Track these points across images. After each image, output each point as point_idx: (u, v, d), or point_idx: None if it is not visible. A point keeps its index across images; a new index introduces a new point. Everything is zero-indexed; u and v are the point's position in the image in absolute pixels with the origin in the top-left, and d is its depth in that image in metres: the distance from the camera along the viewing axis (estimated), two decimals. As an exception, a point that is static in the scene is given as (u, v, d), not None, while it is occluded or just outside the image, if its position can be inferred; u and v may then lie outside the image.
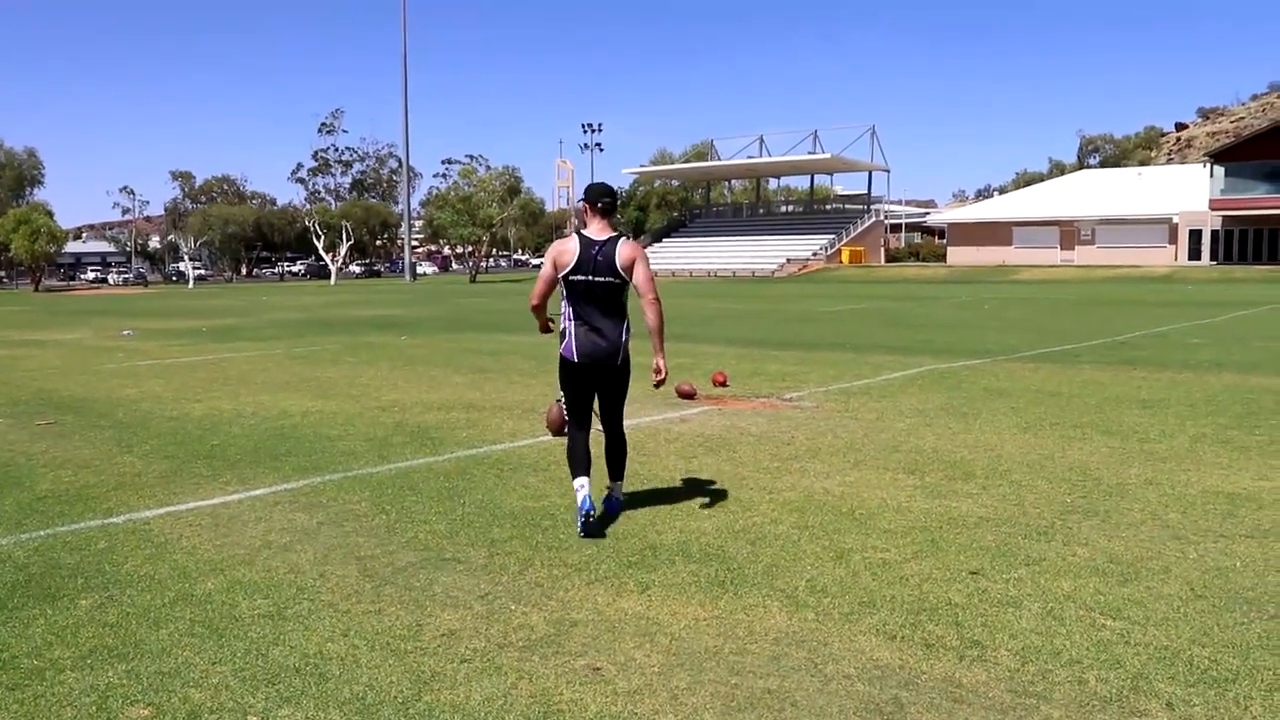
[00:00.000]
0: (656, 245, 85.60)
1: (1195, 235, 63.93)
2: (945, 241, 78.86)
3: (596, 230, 5.96)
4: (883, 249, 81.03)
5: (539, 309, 6.16)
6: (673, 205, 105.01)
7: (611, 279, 5.88)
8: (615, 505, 6.30)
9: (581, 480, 5.97)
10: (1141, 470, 7.35)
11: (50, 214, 79.34)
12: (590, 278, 5.86)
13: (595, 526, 5.84)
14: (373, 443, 8.84)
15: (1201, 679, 3.85)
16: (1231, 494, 6.63)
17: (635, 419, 9.48)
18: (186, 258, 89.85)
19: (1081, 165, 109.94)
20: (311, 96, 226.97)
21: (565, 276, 5.91)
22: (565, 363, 6.06)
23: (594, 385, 6.08)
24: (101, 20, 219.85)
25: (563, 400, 6.27)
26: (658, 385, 6.18)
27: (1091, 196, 72.41)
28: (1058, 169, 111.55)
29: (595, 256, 5.85)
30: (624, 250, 5.88)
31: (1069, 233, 69.39)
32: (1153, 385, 11.84)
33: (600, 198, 6.03)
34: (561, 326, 6.07)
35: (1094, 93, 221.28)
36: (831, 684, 3.86)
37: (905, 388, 11.90)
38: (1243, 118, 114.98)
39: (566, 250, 5.93)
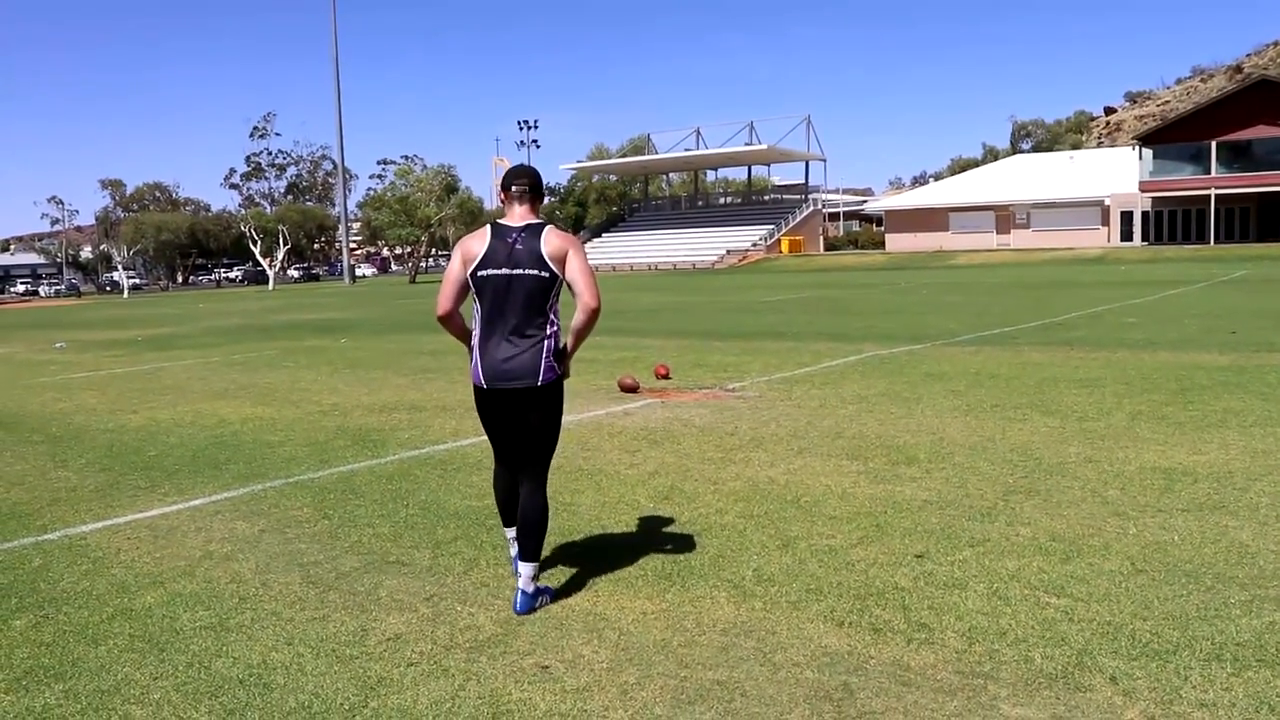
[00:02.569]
0: (596, 240, 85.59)
1: (1126, 217, 65.17)
2: (883, 229, 79.62)
3: (516, 218, 4.74)
4: (821, 238, 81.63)
5: (449, 318, 4.85)
6: (611, 200, 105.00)
7: (536, 272, 4.61)
8: (526, 602, 4.60)
9: (513, 531, 5.00)
10: (1081, 449, 7.45)
11: (-24, 226, 77.50)
12: (506, 271, 4.62)
13: (529, 602, 4.62)
14: (314, 447, 8.72)
15: (1143, 652, 3.90)
16: (1168, 469, 6.75)
17: (578, 414, 9.45)
18: (120, 267, 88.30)
19: (1015, 150, 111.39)
20: (243, 101, 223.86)
21: (473, 273, 4.68)
22: (475, 389, 4.83)
23: (510, 416, 4.76)
24: (20, 25, 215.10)
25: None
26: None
27: (1025, 181, 73.52)
28: (991, 154, 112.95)
29: (513, 245, 4.64)
30: (552, 238, 4.65)
31: (1004, 217, 70.39)
32: (1089, 365, 12.03)
33: (514, 181, 4.80)
34: (471, 344, 4.83)
35: (1025, 78, 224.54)
36: (781, 672, 3.86)
37: (847, 374, 11.97)
38: (1168, 101, 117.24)
39: (475, 242, 4.74)
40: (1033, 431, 8.17)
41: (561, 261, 4.65)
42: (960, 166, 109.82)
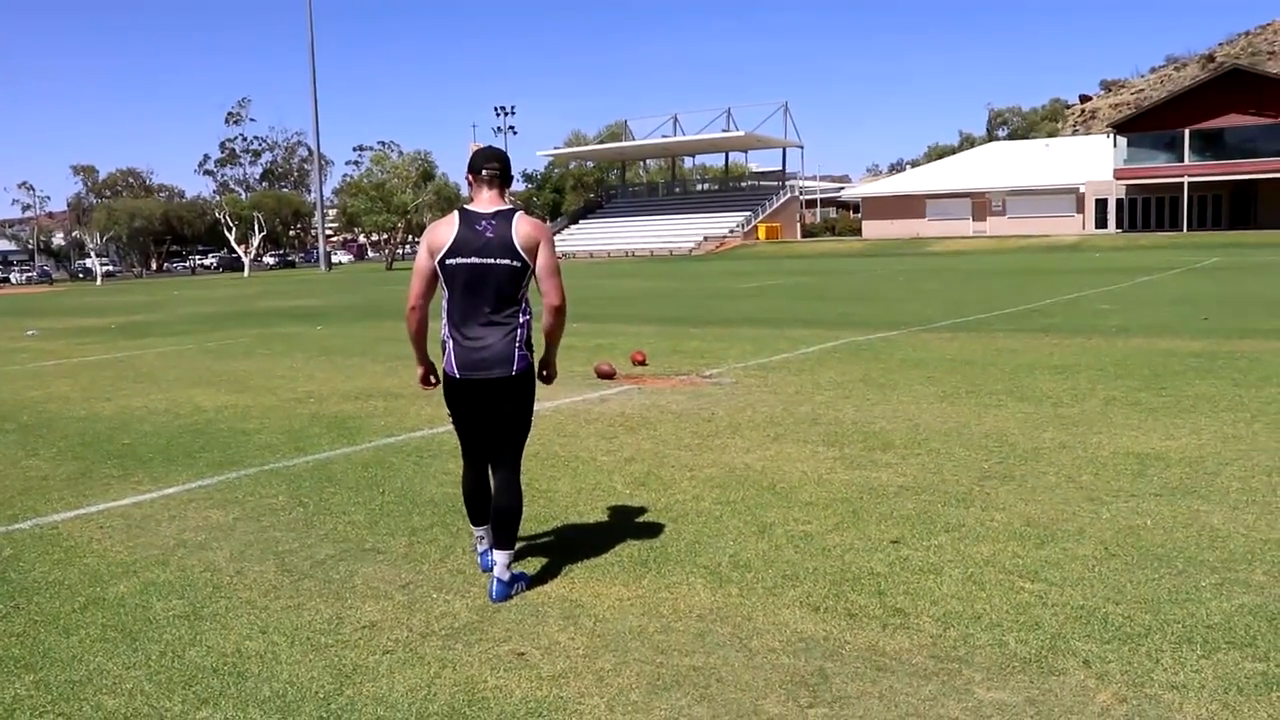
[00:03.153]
0: (573, 226, 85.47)
1: (1101, 204, 65.53)
2: (860, 215, 79.84)
3: (485, 202, 4.62)
4: (799, 224, 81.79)
5: (416, 314, 4.73)
6: (588, 187, 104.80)
7: (508, 261, 4.51)
8: (502, 590, 4.59)
9: (482, 530, 4.97)
10: (1055, 434, 7.50)
11: (-55, 212, 76.65)
12: (477, 260, 4.50)
13: (504, 590, 4.61)
14: (289, 435, 8.68)
15: (1116, 635, 3.93)
16: (1141, 454, 6.79)
17: (554, 400, 9.43)
18: (93, 254, 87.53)
19: (991, 138, 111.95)
20: (217, 86, 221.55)
21: (441, 261, 4.55)
22: (447, 379, 4.74)
23: (484, 406, 4.67)
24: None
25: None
26: (544, 381, 4.95)
27: (1001, 168, 73.81)
28: (968, 142, 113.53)
29: (483, 233, 4.51)
30: (524, 226, 4.55)
31: (980, 204, 70.67)
32: (1064, 351, 12.09)
33: (484, 164, 4.64)
34: (442, 335, 4.71)
35: (1001, 66, 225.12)
36: (757, 658, 3.87)
37: (823, 361, 12.00)
38: (1143, 89, 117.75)
39: (443, 230, 4.59)
40: (1008, 417, 8.21)
41: (533, 251, 4.56)
42: (937, 154, 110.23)
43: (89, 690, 3.86)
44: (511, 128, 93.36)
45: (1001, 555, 4.89)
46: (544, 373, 4.91)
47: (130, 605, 4.75)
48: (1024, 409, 8.52)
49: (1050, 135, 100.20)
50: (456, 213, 4.65)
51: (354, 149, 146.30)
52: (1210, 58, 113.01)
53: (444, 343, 4.69)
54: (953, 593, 4.44)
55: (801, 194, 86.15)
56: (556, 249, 4.77)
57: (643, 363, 12.09)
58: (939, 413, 8.51)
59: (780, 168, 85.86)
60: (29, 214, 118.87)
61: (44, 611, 4.72)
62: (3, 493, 7.09)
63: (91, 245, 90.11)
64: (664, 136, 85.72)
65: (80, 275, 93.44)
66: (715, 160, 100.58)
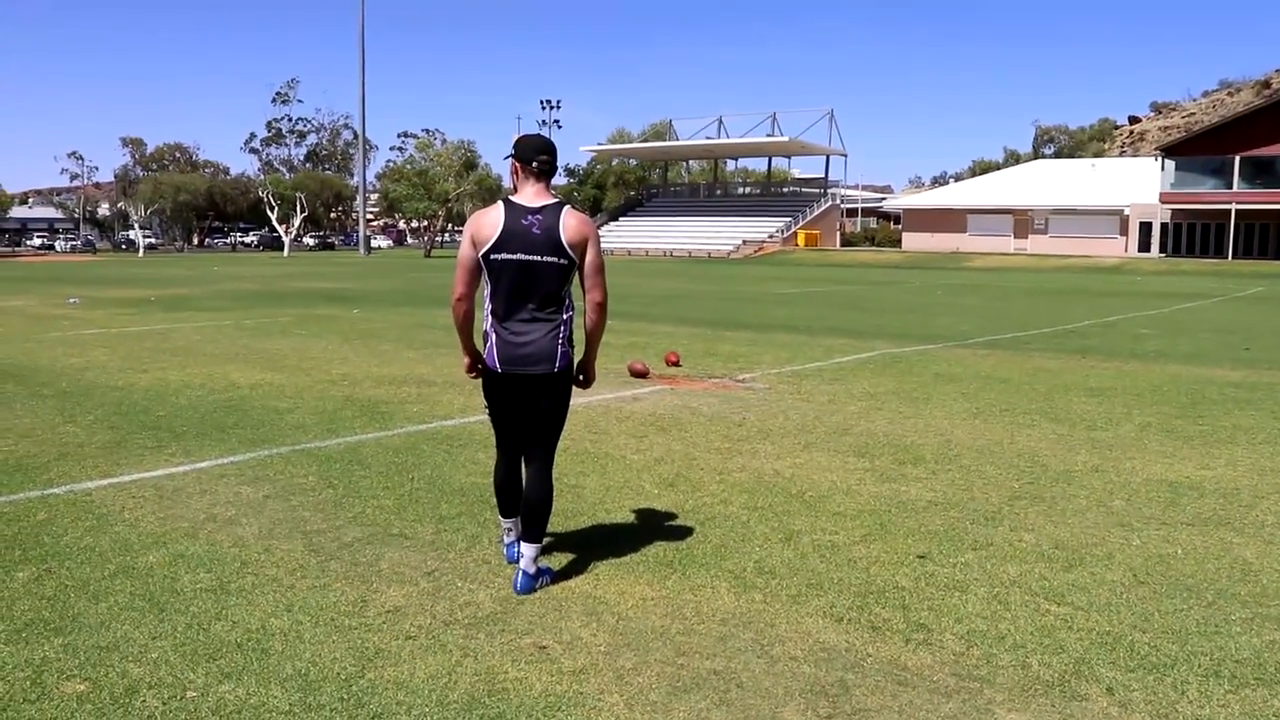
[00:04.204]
0: (613, 224, 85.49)
1: (1145, 227, 64.82)
2: (900, 227, 79.40)
3: (531, 195, 4.53)
4: (838, 233, 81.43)
5: (463, 305, 4.67)
6: (630, 184, 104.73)
7: (553, 259, 4.46)
8: (527, 582, 4.59)
9: (510, 521, 4.96)
10: (1088, 457, 7.43)
11: (-5, 178, 77.62)
12: (523, 257, 4.44)
13: (529, 583, 4.62)
14: (322, 416, 8.74)
15: (1141, 664, 3.89)
16: (1175, 482, 6.73)
17: (587, 397, 9.44)
18: (136, 226, 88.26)
19: (1036, 155, 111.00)
20: (266, 65, 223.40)
21: (486, 255, 4.48)
22: (486, 372, 4.71)
23: (522, 401, 4.64)
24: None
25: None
26: (581, 386, 4.89)
27: (1045, 186, 73.19)
28: (1013, 158, 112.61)
29: (530, 229, 4.44)
30: (572, 222, 4.48)
31: (1022, 222, 70.12)
32: (1101, 374, 11.98)
33: (535, 155, 4.53)
34: (484, 326, 4.68)
35: (1050, 84, 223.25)
36: (778, 665, 3.86)
37: (857, 371, 11.95)
38: (1193, 113, 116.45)
39: (487, 222, 4.50)
40: (1041, 438, 8.15)
41: (581, 249, 4.50)
42: (981, 169, 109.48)
43: (115, 657, 3.90)
44: (556, 121, 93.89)
45: (1028, 576, 4.86)
46: (580, 377, 4.84)
47: (159, 576, 4.80)
48: (1057, 430, 8.46)
49: (1097, 155, 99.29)
50: (501, 204, 4.57)
51: (398, 135, 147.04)
52: (1265, 84, 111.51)
53: (486, 335, 4.65)
54: (977, 611, 4.41)
55: (843, 202, 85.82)
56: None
57: (676, 363, 12.09)
58: (971, 429, 8.46)
59: (823, 175, 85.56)
60: (76, 183, 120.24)
61: (75, 577, 4.78)
62: (39, 457, 7.18)
63: (136, 217, 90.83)
64: (708, 138, 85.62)
65: (123, 246, 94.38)
66: (758, 164, 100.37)
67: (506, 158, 4.68)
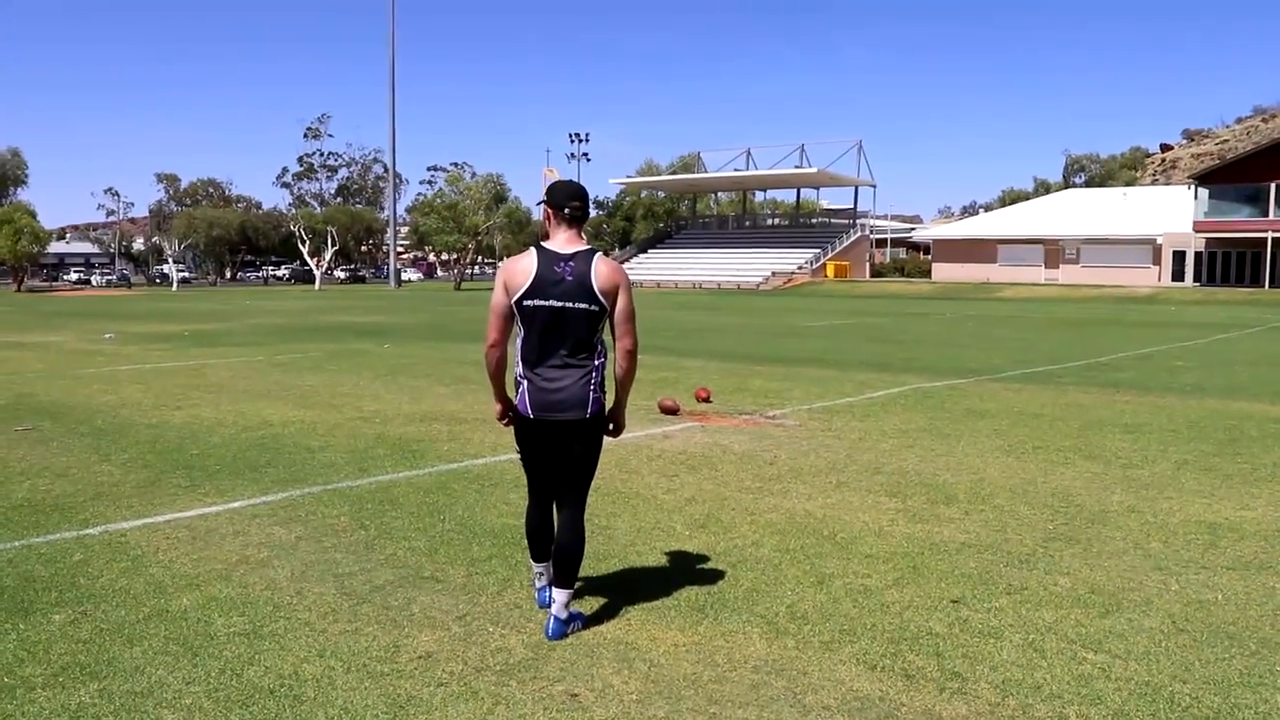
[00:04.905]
0: (642, 256, 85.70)
1: (1179, 256, 64.33)
2: (930, 257, 79.16)
3: (563, 242, 4.59)
4: (868, 264, 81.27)
5: (495, 351, 4.67)
6: (659, 216, 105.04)
7: (585, 305, 4.50)
8: (559, 628, 4.60)
9: (542, 566, 4.96)
10: (1124, 497, 7.35)
11: (33, 214, 78.66)
12: (555, 304, 4.48)
13: (561, 628, 4.63)
14: (353, 455, 8.78)
15: (1183, 716, 3.83)
16: (1214, 523, 6.63)
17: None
18: (170, 260, 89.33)
19: (1067, 184, 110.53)
20: (298, 101, 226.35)
21: (518, 301, 4.52)
22: (519, 418, 4.73)
23: (554, 447, 4.67)
24: (87, 21, 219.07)
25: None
26: (611, 435, 4.87)
27: (1076, 216, 72.85)
28: (1043, 188, 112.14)
29: (563, 275, 4.48)
30: (603, 269, 4.52)
31: (1053, 251, 69.75)
32: (1136, 409, 11.87)
33: (568, 201, 4.60)
34: (515, 372, 4.71)
35: (1080, 112, 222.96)
36: (811, 715, 3.83)
37: (888, 407, 11.90)
38: (1227, 140, 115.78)
39: (520, 268, 4.55)
40: (1075, 476, 8.07)
41: (612, 296, 4.53)
42: (1010, 198, 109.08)
43: (150, 703, 3.92)
44: (585, 154, 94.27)
45: (1064, 623, 4.80)
46: (611, 426, 4.83)
47: (192, 619, 4.82)
48: (1092, 468, 8.37)
49: (1128, 184, 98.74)
50: (534, 250, 4.60)
51: (428, 169, 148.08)
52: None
53: (518, 382, 4.67)
54: (1013, 659, 4.36)
55: (872, 233, 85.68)
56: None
57: (707, 400, 12.07)
58: (1004, 467, 8.39)
59: (852, 205, 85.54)
60: (112, 219, 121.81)
61: (110, 620, 4.82)
62: (76, 496, 7.25)
63: (170, 252, 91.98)
64: (736, 170, 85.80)
65: (157, 280, 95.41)
66: (786, 195, 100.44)
67: (539, 204, 4.74)
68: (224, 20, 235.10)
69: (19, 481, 7.76)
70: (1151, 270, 65.55)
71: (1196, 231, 62.64)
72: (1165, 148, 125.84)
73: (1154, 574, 5.55)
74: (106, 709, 3.87)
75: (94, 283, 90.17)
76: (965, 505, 7.09)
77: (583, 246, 4.60)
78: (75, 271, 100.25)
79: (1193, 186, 64.19)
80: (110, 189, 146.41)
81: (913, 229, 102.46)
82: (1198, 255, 63.59)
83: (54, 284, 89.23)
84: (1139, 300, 51.57)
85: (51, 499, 7.20)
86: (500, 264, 4.73)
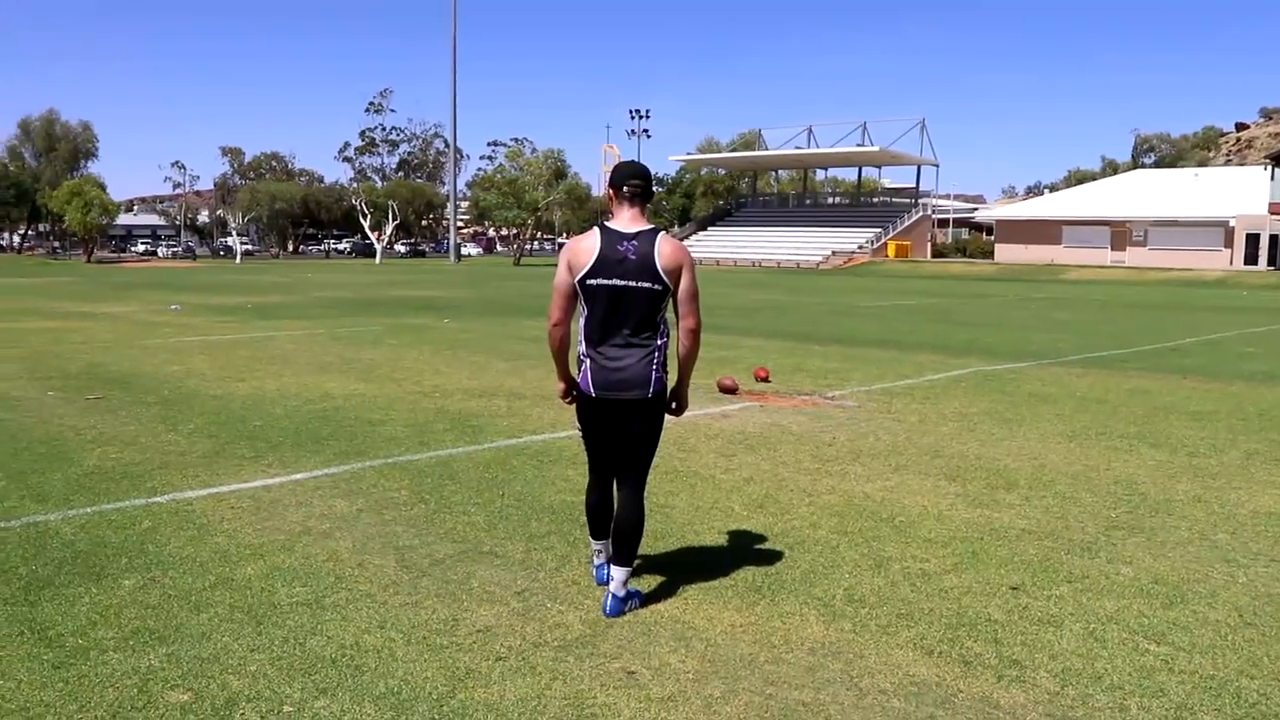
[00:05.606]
0: (701, 233, 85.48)
1: (1253, 239, 62.85)
2: (993, 238, 78.10)
3: (626, 221, 4.58)
4: (929, 244, 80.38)
5: (559, 330, 4.69)
6: (719, 194, 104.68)
7: (649, 284, 4.49)
8: (616, 606, 4.64)
9: (601, 543, 5.01)
10: (1190, 486, 7.23)
11: (103, 187, 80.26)
12: (618, 282, 4.49)
13: (619, 606, 4.66)
14: (414, 429, 8.87)
15: (1249, 713, 3.76)
16: (1282, 514, 6.50)
17: (676, 414, 9.45)
18: (234, 233, 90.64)
19: (1136, 165, 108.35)
20: (361, 76, 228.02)
21: (582, 280, 4.54)
22: (580, 396, 4.76)
23: (615, 425, 4.69)
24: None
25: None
26: (674, 414, 4.89)
27: (1145, 197, 71.42)
28: (1111, 168, 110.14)
29: (625, 254, 4.48)
30: (667, 248, 4.50)
31: (1120, 233, 68.50)
32: (1203, 396, 11.64)
33: (628, 180, 4.60)
34: (577, 350, 4.73)
35: (1151, 90, 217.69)
36: (867, 699, 3.82)
37: (949, 389, 11.78)
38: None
39: (583, 248, 4.56)
40: (1139, 464, 7.95)
41: (675, 275, 4.52)
42: (1077, 179, 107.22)
43: (216, 668, 4.01)
44: (645, 131, 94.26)
45: (1126, 613, 4.74)
46: (674, 405, 4.84)
47: (257, 588, 4.92)
48: (1157, 456, 8.24)
49: (1201, 164, 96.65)
50: (597, 230, 4.62)
51: (488, 144, 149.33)
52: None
53: (580, 360, 4.68)
54: (1073, 648, 4.32)
55: (934, 213, 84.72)
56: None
57: (766, 379, 12.04)
58: (1066, 453, 8.29)
59: (914, 185, 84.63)
60: (178, 191, 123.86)
61: (177, 586, 4.93)
62: (144, 465, 7.41)
63: (234, 224, 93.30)
64: (797, 148, 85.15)
65: (221, 253, 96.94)
66: (848, 174, 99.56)
67: (608, 188, 4.74)
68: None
69: (90, 449, 7.94)
70: (1223, 253, 64.11)
71: (1272, 214, 61.10)
72: (1241, 126, 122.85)
73: (1221, 565, 5.46)
74: (175, 673, 3.96)
75: (160, 254, 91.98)
76: (1026, 491, 7.01)
77: (646, 226, 4.59)
78: (142, 243, 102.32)
79: (1269, 167, 62.62)
80: (177, 162, 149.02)
81: (975, 209, 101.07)
82: (1273, 238, 62.05)
83: (122, 255, 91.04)
84: (1209, 284, 50.52)
85: (121, 467, 7.37)
86: (563, 241, 4.75)
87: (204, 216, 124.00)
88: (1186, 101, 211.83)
